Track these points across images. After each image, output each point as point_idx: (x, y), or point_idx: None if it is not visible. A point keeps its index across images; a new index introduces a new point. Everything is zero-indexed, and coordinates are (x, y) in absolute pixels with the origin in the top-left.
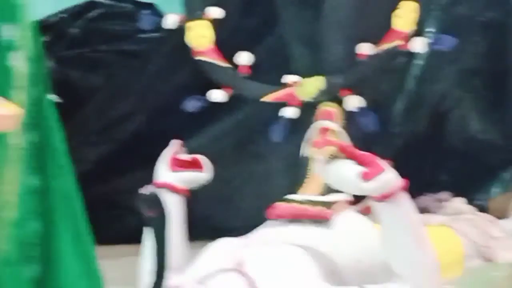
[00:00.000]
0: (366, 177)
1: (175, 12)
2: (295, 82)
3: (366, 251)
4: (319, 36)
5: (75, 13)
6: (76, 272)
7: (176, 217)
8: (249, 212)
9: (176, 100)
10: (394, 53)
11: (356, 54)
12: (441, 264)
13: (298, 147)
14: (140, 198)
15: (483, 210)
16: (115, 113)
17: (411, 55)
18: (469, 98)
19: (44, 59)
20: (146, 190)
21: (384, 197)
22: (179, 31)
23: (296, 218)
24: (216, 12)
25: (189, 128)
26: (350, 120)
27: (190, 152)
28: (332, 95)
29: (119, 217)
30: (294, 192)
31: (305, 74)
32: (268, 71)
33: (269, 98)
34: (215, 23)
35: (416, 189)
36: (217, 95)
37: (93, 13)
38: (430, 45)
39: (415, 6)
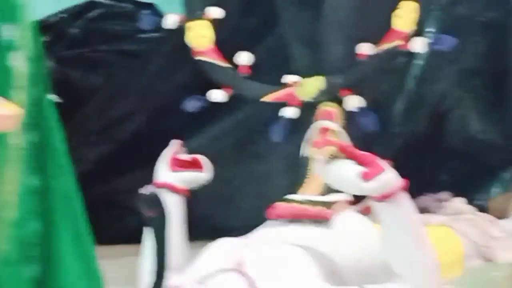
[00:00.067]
0: (366, 177)
1: (175, 12)
2: (295, 82)
3: (366, 251)
4: (319, 36)
5: (75, 13)
6: (76, 272)
7: (176, 217)
8: (249, 212)
9: (176, 100)
10: (394, 53)
11: (356, 54)
12: (441, 264)
13: (298, 147)
14: (140, 198)
15: (483, 210)
16: (115, 113)
17: (411, 55)
18: (469, 98)
19: (44, 59)
20: (146, 190)
21: (384, 197)
22: (179, 31)
23: (296, 218)
24: (216, 12)
25: (189, 128)
26: (350, 120)
27: (190, 152)
28: (332, 95)
29: (119, 217)
30: (294, 192)
31: (305, 74)
32: (268, 71)
33: (269, 98)
34: (215, 23)
35: (416, 189)
36: (217, 95)
37: (93, 13)
38: (430, 45)
39: (415, 6)
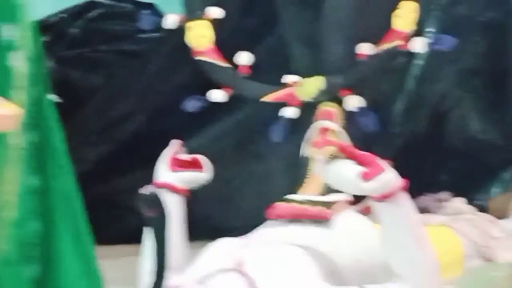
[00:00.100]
0: (366, 177)
1: (175, 12)
2: (295, 82)
3: (366, 251)
4: (319, 36)
5: (75, 13)
6: (76, 272)
7: (176, 217)
8: (249, 212)
9: (176, 100)
10: (394, 53)
11: (356, 54)
12: (441, 264)
13: (298, 147)
14: (140, 198)
15: (483, 210)
16: (115, 113)
17: (411, 55)
18: (469, 98)
19: (44, 59)
20: (146, 190)
21: (384, 197)
22: (179, 31)
23: (296, 218)
24: (216, 12)
25: (189, 128)
26: (350, 120)
27: (190, 152)
28: (332, 95)
29: (119, 217)
30: (294, 192)
31: (305, 74)
32: (268, 71)
33: (269, 98)
34: (215, 23)
35: (416, 189)
36: (217, 95)
37: (93, 13)
38: (430, 45)
39: (415, 6)
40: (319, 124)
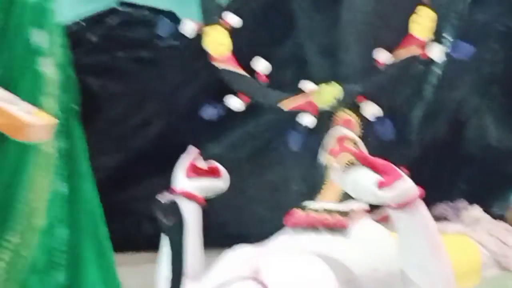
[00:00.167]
0: (383, 185)
1: (194, 20)
2: (312, 90)
3: (383, 259)
4: (336, 44)
5: (94, 21)
6: (96, 279)
7: (193, 225)
8: (265, 219)
9: (194, 108)
10: (412, 60)
11: (374, 62)
12: (458, 273)
13: (315, 155)
14: (157, 205)
15: (500, 219)
16: (133, 120)
17: (428, 63)
18: (487, 106)
19: (71, 65)
20: (163, 197)
21: (400, 206)
22: (197, 39)
23: (313, 226)
24: (233, 20)
25: (207, 136)
26: (367, 128)
27: (207, 159)
28: (350, 103)
29: (136, 224)
30: (311, 200)
31: (323, 81)
32: (286, 79)
33: (287, 106)
34: (233, 30)
35: (433, 197)
36: (234, 103)
37: (112, 21)
38: (448, 53)
39: (433, 13)
40: (336, 132)
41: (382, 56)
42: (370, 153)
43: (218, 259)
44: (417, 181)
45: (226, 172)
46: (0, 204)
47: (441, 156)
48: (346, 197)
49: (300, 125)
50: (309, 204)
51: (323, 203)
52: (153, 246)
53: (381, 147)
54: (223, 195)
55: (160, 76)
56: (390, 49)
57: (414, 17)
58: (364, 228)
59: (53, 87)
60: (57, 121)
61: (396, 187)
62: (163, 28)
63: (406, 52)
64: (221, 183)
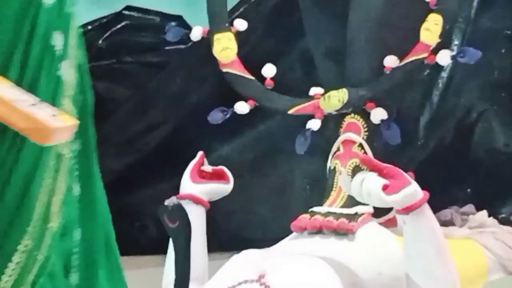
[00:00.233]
0: (389, 189)
1: (202, 24)
2: (320, 94)
3: (388, 263)
4: (344, 48)
5: (102, 25)
6: (105, 282)
7: (199, 229)
8: (272, 224)
9: (202, 112)
10: (420, 65)
11: (382, 67)
12: (464, 277)
13: (323, 160)
14: (163, 209)
15: (507, 224)
16: (141, 124)
17: (436, 68)
18: (494, 111)
19: (87, 68)
20: (169, 201)
21: (406, 210)
22: (205, 43)
23: (319, 230)
24: (241, 24)
25: (214, 140)
26: (374, 132)
27: (215, 163)
28: (357, 108)
29: (143, 227)
30: (318, 204)
31: (330, 86)
32: (293, 84)
33: (294, 110)
34: (241, 35)
35: (440, 201)
36: (242, 107)
37: (121, 25)
38: (456, 58)
39: (441, 19)
40: (343, 136)
41: (391, 60)
42: (377, 157)
43: (225, 263)
44: (424, 186)
45: (231, 175)
46: (16, 207)
47: (449, 161)
48: (352, 201)
49: (306, 129)
50: (316, 208)
51: (330, 207)
52: (159, 250)
53: (388, 151)
54: (231, 199)
55: (169, 81)
56: (400, 55)
57: (424, 25)
58: (370, 232)
59: (71, 89)
60: (78, 121)
61: (403, 191)
62: (171, 33)
63: (415, 58)
64: (227, 186)
